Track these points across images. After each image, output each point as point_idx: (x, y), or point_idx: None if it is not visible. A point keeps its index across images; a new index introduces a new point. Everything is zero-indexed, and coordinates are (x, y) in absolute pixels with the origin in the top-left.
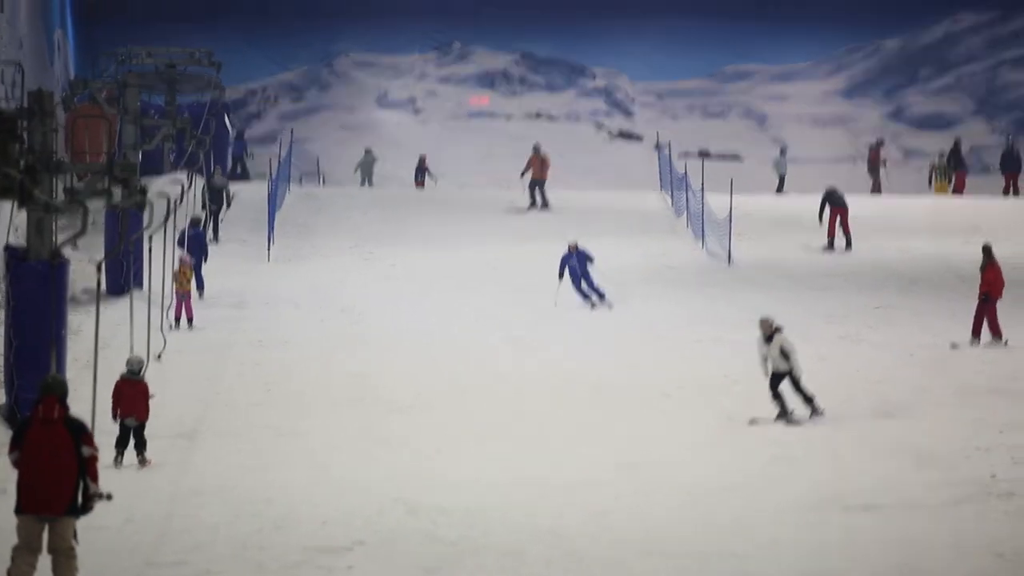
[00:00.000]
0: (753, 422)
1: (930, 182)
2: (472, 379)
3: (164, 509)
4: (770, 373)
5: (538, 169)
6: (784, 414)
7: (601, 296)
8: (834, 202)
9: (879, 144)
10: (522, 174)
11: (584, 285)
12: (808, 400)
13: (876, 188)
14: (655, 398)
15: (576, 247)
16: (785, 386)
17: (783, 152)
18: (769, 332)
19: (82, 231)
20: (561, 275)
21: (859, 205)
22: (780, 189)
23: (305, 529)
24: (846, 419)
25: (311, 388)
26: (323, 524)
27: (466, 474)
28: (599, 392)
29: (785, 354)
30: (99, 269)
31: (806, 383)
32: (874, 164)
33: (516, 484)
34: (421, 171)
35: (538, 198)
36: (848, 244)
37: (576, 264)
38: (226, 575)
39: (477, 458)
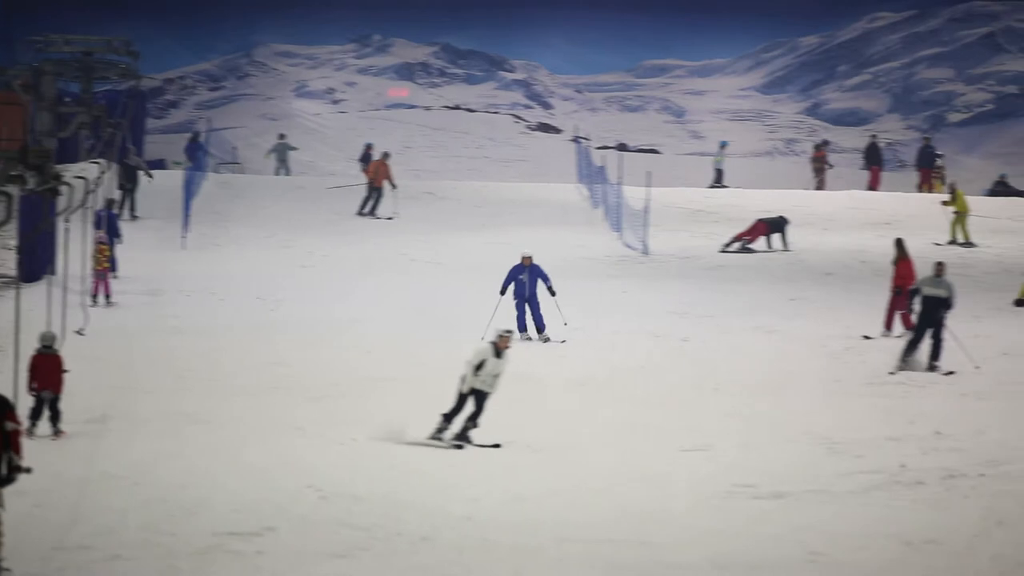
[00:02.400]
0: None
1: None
2: (388, 368)
3: (73, 494)
4: (470, 388)
5: (380, 176)
6: (439, 435)
7: (540, 329)
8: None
9: (824, 144)
10: (369, 180)
11: (528, 311)
12: (472, 426)
13: (820, 186)
14: (571, 387)
15: (531, 261)
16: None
17: (723, 146)
18: (506, 346)
19: (7, 219)
20: (504, 291)
21: (773, 200)
22: (718, 182)
23: (216, 515)
24: (758, 408)
25: (225, 375)
26: (234, 510)
27: (380, 462)
28: (515, 382)
29: (497, 375)
30: (19, 252)
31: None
32: (819, 163)
33: (430, 472)
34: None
35: (369, 204)
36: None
37: (527, 282)
38: (135, 560)
39: (391, 446)
